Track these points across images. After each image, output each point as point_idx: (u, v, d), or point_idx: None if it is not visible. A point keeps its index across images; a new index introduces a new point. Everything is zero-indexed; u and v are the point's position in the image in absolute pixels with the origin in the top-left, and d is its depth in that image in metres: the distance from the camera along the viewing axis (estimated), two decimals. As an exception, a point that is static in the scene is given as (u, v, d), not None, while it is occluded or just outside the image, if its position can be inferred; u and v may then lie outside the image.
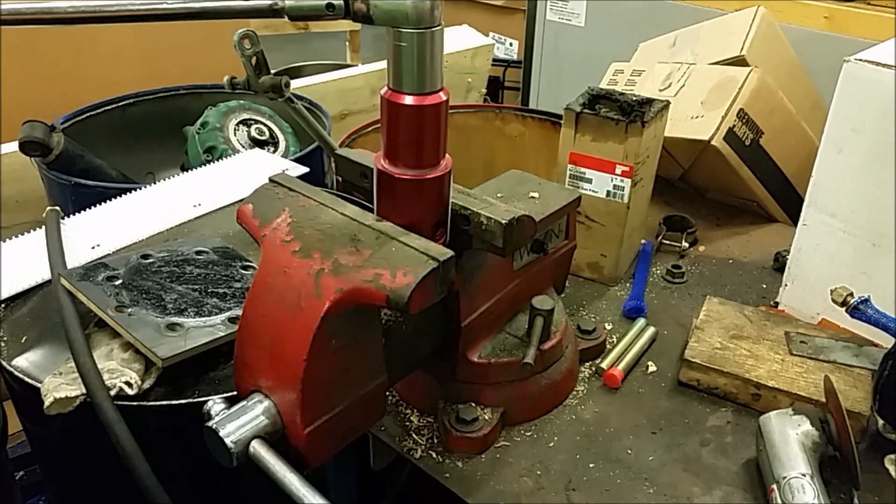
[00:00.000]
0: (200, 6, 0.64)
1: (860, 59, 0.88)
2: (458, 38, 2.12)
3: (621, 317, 1.03)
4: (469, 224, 0.73)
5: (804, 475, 0.71)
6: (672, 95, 1.27)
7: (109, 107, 1.61)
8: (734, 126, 1.19)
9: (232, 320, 0.84)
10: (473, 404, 0.82)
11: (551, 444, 0.82)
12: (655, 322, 1.00)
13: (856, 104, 0.90)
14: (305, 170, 1.25)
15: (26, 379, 0.83)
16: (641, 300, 1.04)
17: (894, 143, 0.88)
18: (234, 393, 0.68)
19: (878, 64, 0.87)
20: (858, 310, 0.86)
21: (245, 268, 0.96)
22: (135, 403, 0.78)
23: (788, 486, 0.71)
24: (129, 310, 0.83)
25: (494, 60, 2.30)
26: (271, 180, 0.75)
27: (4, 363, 0.86)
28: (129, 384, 0.78)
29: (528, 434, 0.83)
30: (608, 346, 0.96)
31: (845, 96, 0.91)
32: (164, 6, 0.64)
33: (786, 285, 1.04)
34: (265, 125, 1.54)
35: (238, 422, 0.63)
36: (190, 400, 0.79)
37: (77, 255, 1.01)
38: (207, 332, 0.81)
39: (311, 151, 1.43)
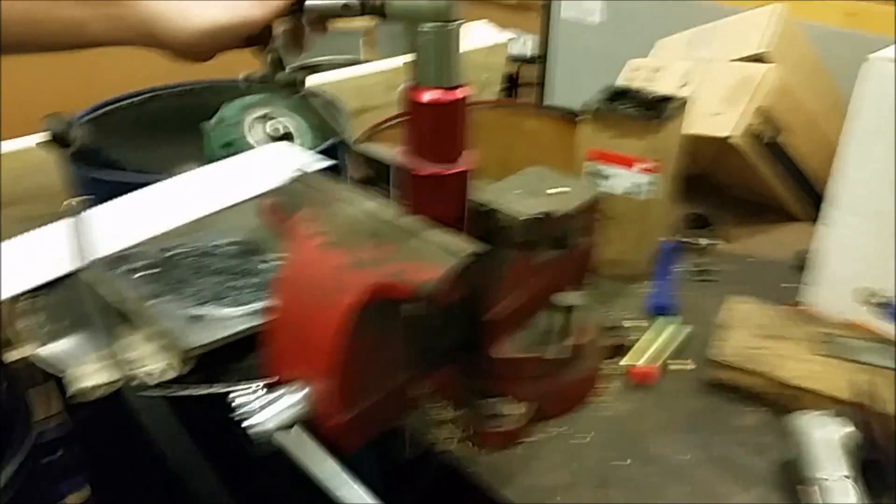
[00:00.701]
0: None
1: (882, 57, 0.88)
2: (475, 35, 2.12)
3: (644, 314, 1.03)
4: (490, 220, 0.73)
5: (845, 477, 0.70)
6: (691, 93, 1.26)
7: (129, 102, 1.62)
8: (754, 123, 1.18)
9: (254, 312, 0.85)
10: (503, 399, 0.82)
11: (584, 441, 0.82)
12: (678, 319, 1.00)
13: (878, 102, 0.89)
14: (331, 162, 1.25)
15: (52, 368, 0.84)
16: (665, 297, 1.04)
17: (920, 140, 0.87)
18: (262, 383, 0.68)
19: (901, 61, 0.86)
20: (882, 310, 0.85)
21: (267, 261, 0.97)
22: (158, 393, 0.79)
23: (828, 488, 0.70)
24: (153, 301, 0.84)
25: (510, 57, 2.29)
26: (295, 175, 0.75)
27: (32, 352, 0.87)
28: (151, 374, 0.78)
29: (559, 430, 0.83)
30: (632, 343, 0.95)
31: (867, 94, 0.90)
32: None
33: (809, 284, 1.04)
34: (283, 121, 1.54)
35: (271, 410, 0.63)
36: (214, 391, 0.79)
37: (99, 247, 1.02)
38: (230, 324, 0.82)
39: (331, 146, 1.43)
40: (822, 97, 1.36)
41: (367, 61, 2.46)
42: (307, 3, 0.64)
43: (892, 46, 0.89)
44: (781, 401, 0.86)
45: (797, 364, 0.87)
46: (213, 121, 1.51)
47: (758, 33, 1.35)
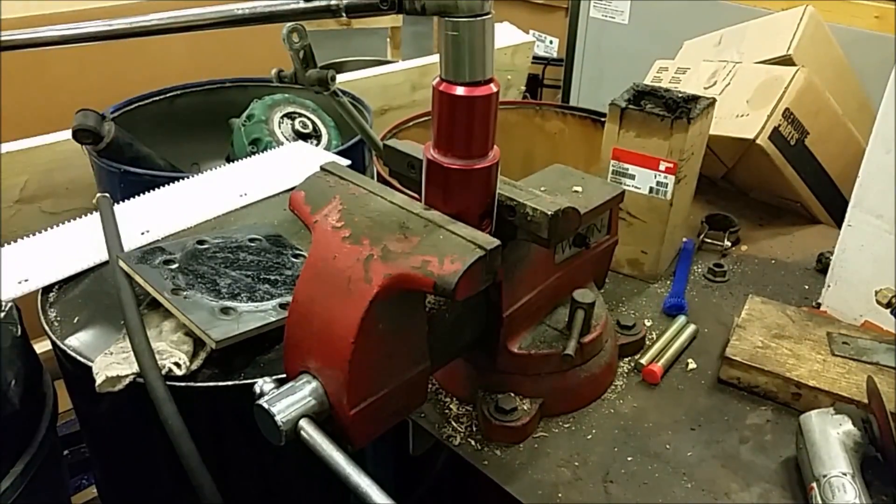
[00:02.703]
0: (267, 10, 0.68)
1: (913, 60, 0.87)
2: (499, 36, 2.13)
3: (661, 314, 1.03)
4: (514, 215, 0.73)
5: (845, 474, 0.71)
6: (717, 93, 1.26)
7: (158, 98, 1.65)
8: (780, 125, 1.18)
9: (283, 306, 0.86)
10: (513, 394, 0.82)
11: (589, 437, 0.83)
12: (696, 320, 1.00)
13: (908, 105, 0.89)
14: (347, 162, 1.27)
15: (79, 358, 0.86)
16: (682, 298, 1.04)
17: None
18: (284, 375, 0.70)
19: (931, 64, 0.86)
20: (902, 311, 0.85)
21: (296, 255, 0.98)
22: (183, 384, 0.80)
23: (829, 485, 0.71)
24: (185, 293, 0.85)
25: (534, 58, 2.30)
26: (323, 168, 0.77)
27: (58, 342, 0.89)
28: (177, 364, 0.80)
29: (567, 426, 0.84)
30: (648, 343, 0.96)
31: None
32: (235, 13, 0.67)
33: (829, 286, 1.03)
34: (309, 118, 1.56)
35: (287, 400, 0.65)
36: (237, 382, 0.81)
37: (127, 240, 1.04)
38: (259, 317, 0.84)
39: (353, 145, 1.45)
40: (848, 100, 1.35)
41: (392, 61, 2.48)
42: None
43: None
44: (790, 400, 0.86)
45: (809, 364, 0.87)
46: (241, 117, 1.54)
47: (786, 35, 1.35)
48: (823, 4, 1.62)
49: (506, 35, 2.18)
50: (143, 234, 1.08)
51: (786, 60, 1.30)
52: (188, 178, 1.25)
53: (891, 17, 1.62)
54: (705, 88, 1.30)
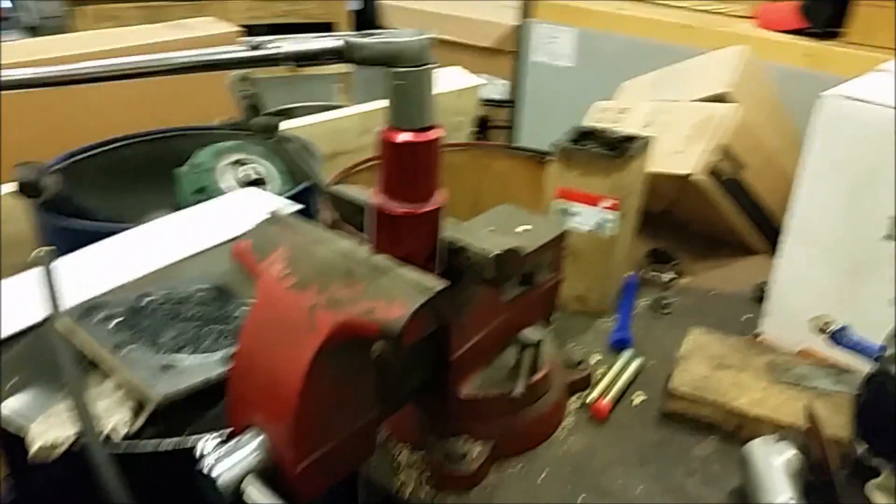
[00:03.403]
0: (209, 59, 0.68)
1: (835, 94, 0.92)
2: (448, 79, 2.17)
3: (608, 349, 1.05)
4: (460, 257, 0.75)
5: (791, 500, 0.73)
6: (656, 132, 1.30)
7: (102, 149, 1.62)
8: (716, 161, 1.22)
9: (229, 358, 0.85)
10: (464, 438, 0.82)
11: (542, 478, 0.83)
12: (642, 353, 1.02)
13: (832, 137, 0.94)
14: (298, 206, 1.27)
15: (14, 423, 0.82)
16: (627, 332, 1.06)
17: (869, 174, 0.91)
18: (228, 431, 0.69)
19: (852, 98, 0.91)
20: (838, 337, 0.88)
21: (242, 305, 0.97)
22: (125, 444, 0.78)
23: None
24: (126, 349, 0.83)
25: (485, 100, 2.34)
26: (268, 217, 0.77)
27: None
28: (119, 426, 0.78)
29: (519, 467, 0.84)
30: (596, 378, 0.97)
31: (822, 129, 0.94)
32: (175, 60, 0.67)
33: (767, 315, 1.06)
34: (257, 165, 1.56)
35: (230, 459, 0.63)
36: (183, 439, 0.79)
37: (68, 296, 1.01)
38: (204, 371, 0.82)
39: (303, 190, 1.45)
40: (780, 135, 1.41)
41: (342, 106, 2.50)
42: (292, 47, 0.66)
43: (845, 84, 0.94)
44: (735, 429, 0.88)
45: (751, 393, 0.90)
46: (185, 167, 1.53)
47: (719, 74, 1.41)
48: (756, 43, 1.71)
49: (456, 78, 2.22)
50: (84, 289, 1.06)
51: (721, 98, 1.35)
52: (132, 229, 1.23)
53: (819, 55, 1.71)
54: (643, 127, 1.34)
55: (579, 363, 0.96)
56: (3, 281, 1.08)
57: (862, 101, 0.90)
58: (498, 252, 0.72)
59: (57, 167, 1.52)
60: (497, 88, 2.86)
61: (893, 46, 1.58)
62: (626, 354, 1.01)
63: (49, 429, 0.77)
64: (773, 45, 1.78)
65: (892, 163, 0.88)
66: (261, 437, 0.65)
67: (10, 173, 1.35)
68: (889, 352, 0.74)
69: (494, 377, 0.84)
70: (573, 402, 0.94)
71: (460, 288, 0.77)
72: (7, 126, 1.73)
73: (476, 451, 0.82)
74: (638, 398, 0.95)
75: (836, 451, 0.77)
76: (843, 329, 0.88)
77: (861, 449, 0.83)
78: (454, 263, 0.75)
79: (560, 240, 0.91)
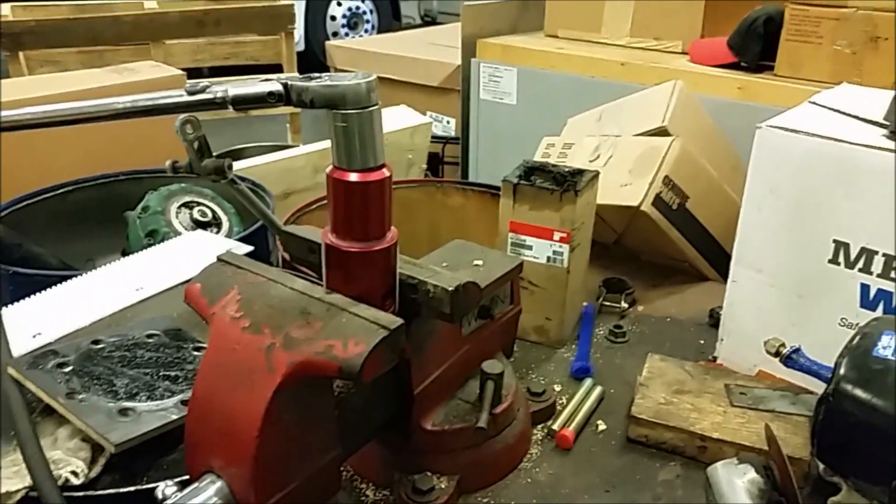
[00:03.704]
0: (149, 104, 0.67)
1: (772, 126, 0.96)
2: (398, 118, 2.19)
3: (569, 378, 1.05)
4: (417, 293, 0.75)
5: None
6: (601, 166, 1.34)
7: (48, 194, 1.59)
8: (661, 192, 1.26)
9: (185, 403, 0.83)
10: (429, 473, 0.82)
11: (508, 511, 0.82)
12: (602, 381, 1.03)
13: (770, 166, 0.97)
14: (249, 248, 1.25)
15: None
16: (587, 360, 1.07)
17: (807, 200, 0.94)
18: (187, 477, 0.67)
19: (787, 129, 0.95)
20: (791, 359, 0.91)
21: (197, 349, 0.95)
22: (81, 494, 0.75)
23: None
24: (80, 396, 0.81)
25: (433, 137, 2.37)
26: (219, 259, 0.76)
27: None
28: (75, 473, 0.75)
29: (486, 500, 0.84)
30: (558, 408, 0.98)
31: (760, 159, 0.98)
32: (115, 106, 0.67)
33: (722, 340, 1.09)
34: (208, 207, 1.54)
35: (191, 504, 0.62)
36: (140, 487, 0.77)
37: (18, 344, 0.98)
38: (160, 416, 0.80)
39: (255, 231, 1.44)
40: (722, 163, 1.46)
41: (293, 145, 2.50)
42: (233, 91, 0.66)
43: (780, 115, 0.98)
44: (697, 453, 0.90)
45: (711, 416, 0.91)
46: (136, 210, 1.50)
47: (660, 108, 1.46)
48: (691, 77, 1.77)
49: (404, 117, 2.24)
50: (34, 336, 1.03)
51: (662, 132, 1.39)
52: (82, 275, 1.20)
53: (750, 88, 1.78)
54: (590, 161, 1.37)
55: (542, 393, 0.97)
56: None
57: (795, 131, 0.94)
58: (454, 287, 0.73)
59: (3, 214, 1.48)
60: (444, 126, 2.91)
61: (820, 79, 1.66)
62: (588, 383, 1.02)
63: (2, 479, 0.74)
64: (707, 79, 1.86)
65: (829, 189, 0.92)
66: (220, 482, 0.63)
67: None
68: (840, 372, 0.76)
69: (458, 410, 0.84)
70: (537, 432, 0.94)
71: (418, 323, 0.77)
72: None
73: (442, 485, 0.81)
74: (601, 426, 0.96)
75: (796, 470, 0.78)
76: (795, 351, 0.91)
77: (821, 467, 0.85)
78: (412, 299, 0.75)
79: (515, 272, 0.92)
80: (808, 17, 1.67)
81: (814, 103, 1.04)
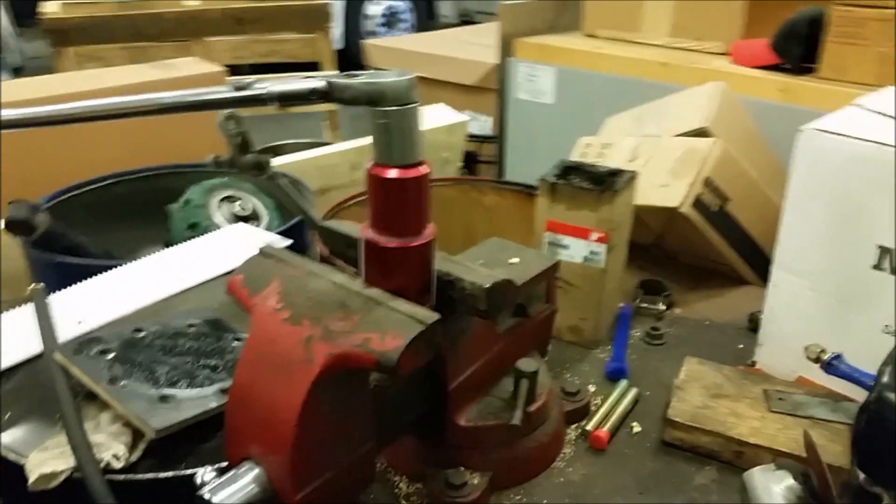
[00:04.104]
0: (195, 99, 0.69)
1: (814, 128, 0.94)
2: (435, 116, 2.20)
3: (604, 378, 1.05)
4: (453, 289, 0.75)
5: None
6: (640, 166, 1.32)
7: (93, 186, 1.63)
8: (701, 194, 1.24)
9: (224, 391, 0.84)
10: (462, 469, 0.82)
11: (541, 509, 0.82)
12: (637, 383, 1.02)
13: (813, 169, 0.96)
14: (288, 242, 1.27)
15: (11, 456, 0.82)
16: (623, 362, 1.06)
17: (850, 204, 0.93)
18: (226, 464, 0.68)
19: (830, 132, 0.93)
20: (832, 366, 0.89)
21: (237, 339, 0.97)
22: (122, 477, 0.77)
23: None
24: (122, 382, 0.83)
25: (469, 136, 2.37)
26: (261, 251, 0.77)
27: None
28: (116, 457, 0.77)
29: (518, 498, 0.84)
30: (593, 408, 0.97)
31: (802, 163, 0.97)
32: (161, 101, 0.68)
33: (761, 344, 1.07)
34: (248, 201, 1.57)
35: (228, 490, 0.63)
36: (179, 472, 0.78)
37: (63, 330, 1.01)
38: (199, 404, 0.82)
39: (294, 226, 1.46)
40: (763, 165, 1.44)
41: (330, 142, 2.52)
42: (277, 88, 0.67)
43: (823, 118, 0.96)
44: (733, 458, 0.88)
45: (749, 422, 0.90)
46: (177, 203, 1.53)
47: (701, 109, 1.44)
48: (732, 79, 1.75)
49: (442, 115, 2.25)
50: (78, 324, 1.05)
51: (702, 133, 1.38)
52: (124, 265, 1.23)
53: (793, 90, 1.75)
54: (628, 162, 1.36)
55: (576, 393, 0.96)
56: (1, 315, 1.08)
57: (839, 134, 0.92)
58: (490, 284, 0.73)
59: (49, 205, 1.52)
60: (480, 124, 2.91)
61: (864, 81, 1.63)
62: (623, 384, 1.01)
63: (48, 459, 0.76)
64: (749, 81, 1.83)
65: (872, 194, 0.90)
66: (258, 469, 0.64)
67: (4, 211, 1.35)
68: (883, 380, 0.75)
69: (491, 407, 0.84)
70: (571, 432, 0.94)
71: (454, 320, 0.78)
72: (-3, 165, 1.73)
73: (475, 481, 0.81)
74: (635, 427, 0.95)
75: (834, 479, 0.77)
76: (836, 358, 0.89)
77: (861, 477, 0.84)
78: (448, 296, 0.76)
79: (551, 271, 0.92)
80: (854, 19, 1.64)
81: (858, 106, 1.02)
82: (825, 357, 0.89)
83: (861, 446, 0.83)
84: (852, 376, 0.87)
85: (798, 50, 1.76)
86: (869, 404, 0.79)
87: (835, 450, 0.85)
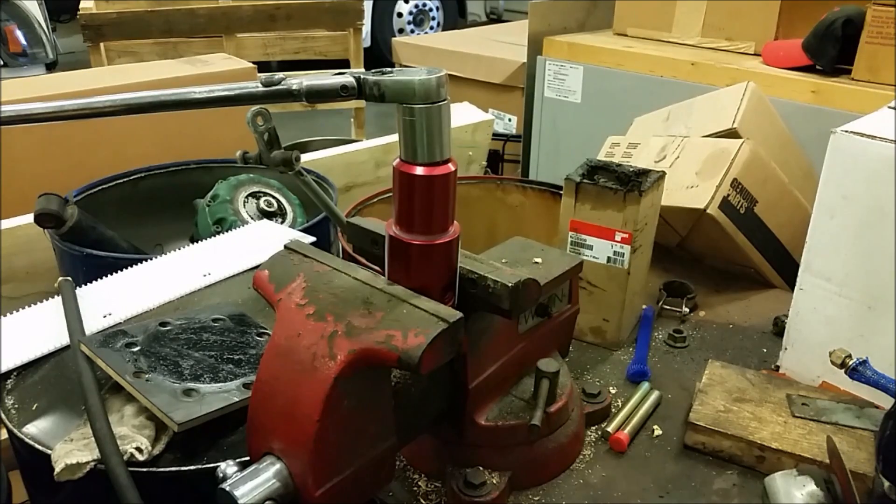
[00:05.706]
0: (226, 94, 0.69)
1: (847, 131, 0.93)
2: (460, 114, 2.20)
3: (625, 381, 1.04)
4: (476, 287, 0.75)
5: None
6: (667, 167, 1.31)
7: (121, 180, 1.66)
8: (729, 195, 1.23)
9: (247, 386, 0.85)
10: (481, 468, 0.82)
11: (560, 509, 0.82)
12: (659, 386, 1.01)
13: (844, 173, 0.94)
14: (312, 239, 1.28)
15: (37, 446, 0.84)
16: (644, 364, 1.06)
17: (882, 209, 0.91)
18: (248, 458, 0.69)
19: (863, 135, 0.91)
20: (857, 371, 0.87)
21: (260, 334, 0.98)
22: (145, 469, 0.79)
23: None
24: (147, 375, 0.85)
25: (494, 135, 2.37)
26: (286, 247, 0.78)
27: (15, 430, 0.87)
28: (139, 450, 0.78)
29: (536, 499, 0.84)
30: (613, 410, 0.97)
31: (834, 165, 0.95)
32: (192, 96, 0.69)
33: (786, 349, 1.06)
34: (274, 197, 1.58)
35: (250, 484, 0.64)
36: (201, 466, 0.80)
37: (89, 323, 1.03)
38: (222, 398, 0.83)
39: (319, 222, 1.47)
40: (792, 168, 1.42)
41: (356, 140, 2.54)
42: (308, 83, 0.68)
43: (856, 121, 0.95)
44: (755, 462, 0.87)
45: (771, 426, 0.89)
46: (205, 198, 1.55)
47: (730, 110, 1.42)
48: (763, 79, 1.73)
49: (466, 114, 2.25)
50: (105, 317, 1.07)
51: (731, 133, 1.36)
52: (151, 259, 1.25)
53: (825, 91, 1.72)
54: (656, 162, 1.35)
55: (597, 394, 0.96)
56: (26, 308, 1.10)
57: (872, 137, 0.91)
58: (513, 283, 0.73)
59: (78, 198, 1.55)
60: (504, 123, 2.90)
61: (899, 84, 1.60)
62: (644, 386, 1.00)
63: (72, 451, 0.78)
64: (780, 82, 1.80)
65: (907, 198, 0.89)
66: (280, 464, 0.65)
67: (33, 203, 1.37)
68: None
69: (512, 407, 0.84)
70: (591, 434, 0.93)
71: (476, 318, 0.78)
72: (28, 158, 1.77)
73: (494, 480, 0.81)
74: (657, 430, 0.94)
75: (858, 486, 0.76)
76: (862, 363, 0.88)
77: (886, 485, 0.82)
78: (470, 294, 0.76)
79: (575, 272, 0.92)
80: (891, 19, 1.61)
81: (893, 108, 1.01)
82: (850, 362, 0.88)
83: (886, 453, 0.81)
84: (878, 382, 0.85)
85: (832, 51, 1.74)
86: (894, 411, 0.78)
87: (859, 457, 0.84)
